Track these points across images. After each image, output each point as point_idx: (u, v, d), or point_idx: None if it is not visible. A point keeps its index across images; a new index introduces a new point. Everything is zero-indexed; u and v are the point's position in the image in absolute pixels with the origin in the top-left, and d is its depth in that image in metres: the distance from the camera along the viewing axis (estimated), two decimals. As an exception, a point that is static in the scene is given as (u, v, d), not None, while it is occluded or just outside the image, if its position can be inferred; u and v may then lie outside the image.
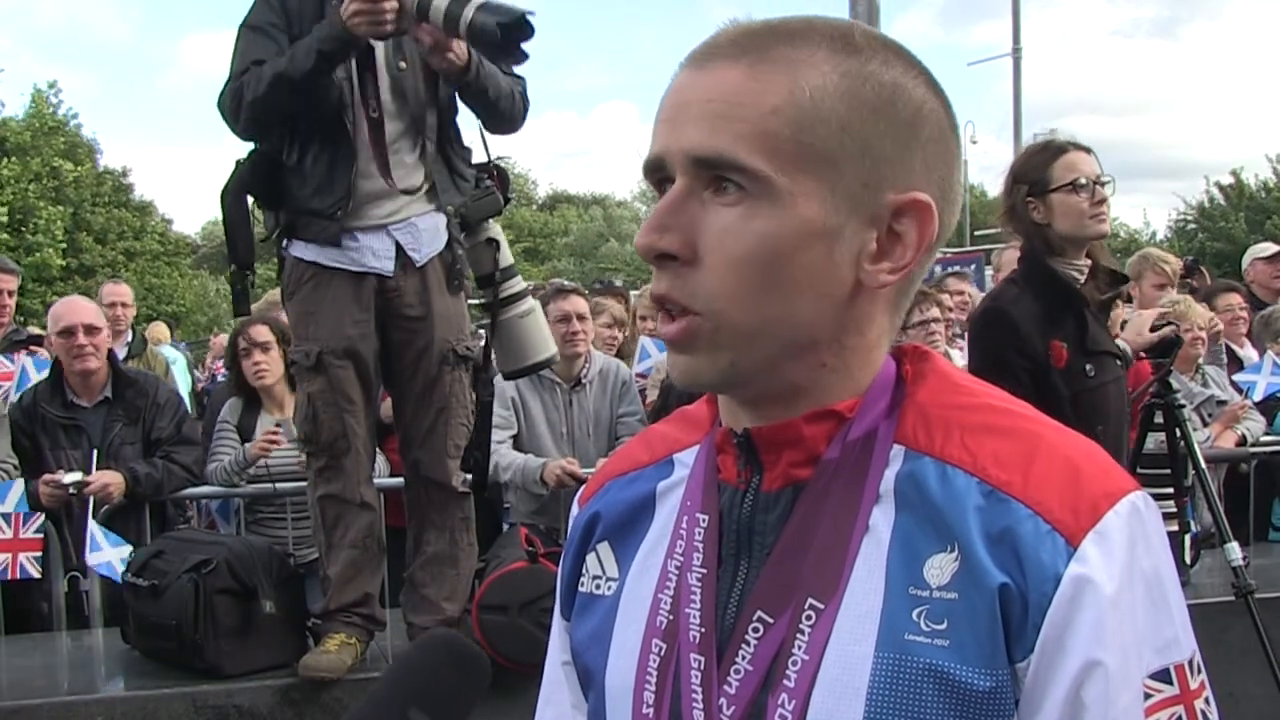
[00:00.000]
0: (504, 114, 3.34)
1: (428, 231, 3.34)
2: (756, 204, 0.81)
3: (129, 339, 5.97)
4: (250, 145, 3.35)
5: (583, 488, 1.07)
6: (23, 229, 26.75)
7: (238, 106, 3.20)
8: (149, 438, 4.16)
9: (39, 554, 3.79)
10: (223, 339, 9.84)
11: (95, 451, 3.99)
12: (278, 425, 4.23)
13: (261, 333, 4.30)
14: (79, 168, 28.94)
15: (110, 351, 4.29)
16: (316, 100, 3.20)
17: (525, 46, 3.03)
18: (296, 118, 3.26)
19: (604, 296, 5.71)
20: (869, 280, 0.84)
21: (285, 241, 3.35)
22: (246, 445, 4.21)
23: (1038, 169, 2.90)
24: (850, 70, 0.82)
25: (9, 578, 3.77)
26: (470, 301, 3.64)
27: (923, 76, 0.86)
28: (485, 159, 3.46)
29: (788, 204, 0.80)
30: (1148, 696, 0.79)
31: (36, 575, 3.84)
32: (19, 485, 3.77)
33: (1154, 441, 3.86)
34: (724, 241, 0.81)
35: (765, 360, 0.84)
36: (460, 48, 3.11)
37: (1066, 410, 2.76)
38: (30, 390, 4.32)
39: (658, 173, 0.86)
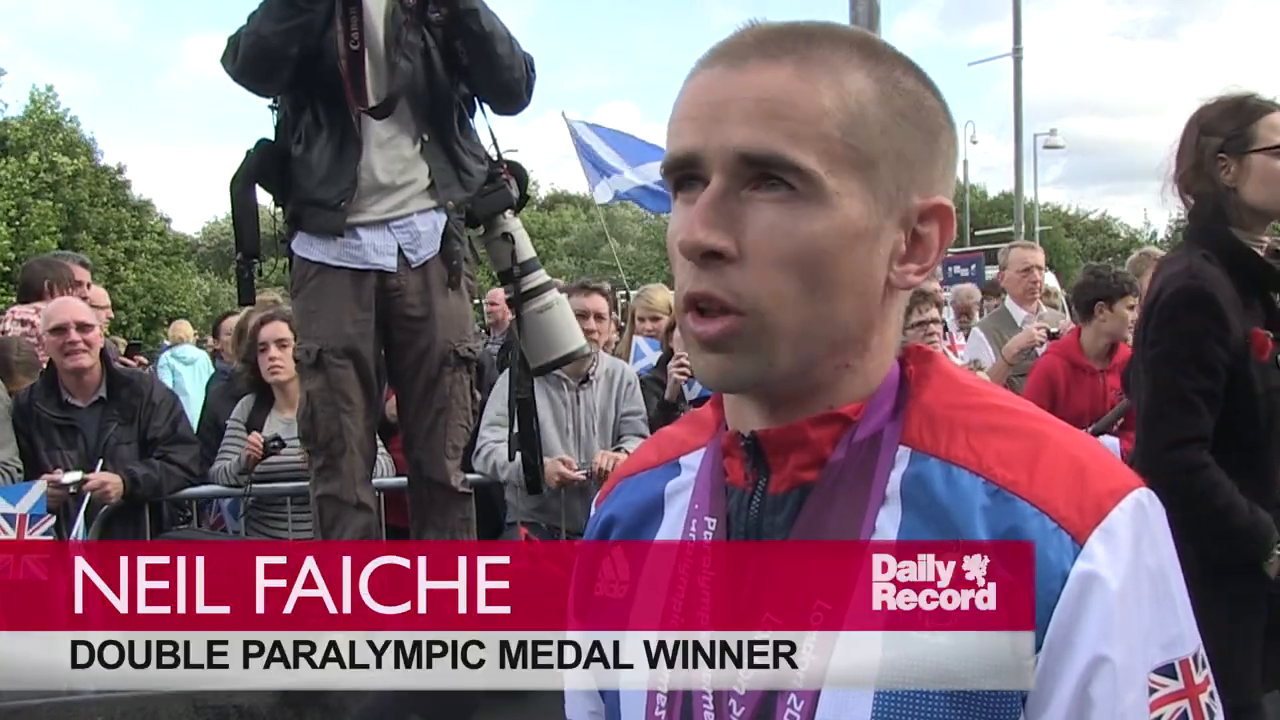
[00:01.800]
0: (503, 62, 3.29)
1: (426, 231, 3.34)
2: (805, 204, 0.81)
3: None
4: (256, 137, 3.38)
5: (601, 489, 1.07)
6: (18, 224, 26.81)
7: (235, 50, 3.21)
8: (144, 437, 4.17)
9: (47, 557, 3.76)
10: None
11: (100, 461, 3.99)
12: (272, 441, 4.20)
13: (280, 329, 4.26)
14: (75, 161, 28.99)
15: (103, 351, 4.28)
16: (313, 86, 3.21)
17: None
18: (298, 103, 3.27)
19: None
20: (898, 280, 0.86)
21: (291, 234, 3.36)
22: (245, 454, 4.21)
23: (1235, 123, 2.46)
24: (882, 76, 0.84)
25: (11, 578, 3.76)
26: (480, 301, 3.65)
27: (933, 87, 0.88)
28: (495, 155, 3.47)
29: (835, 204, 0.82)
30: (1153, 691, 0.79)
31: (41, 578, 3.81)
32: (39, 486, 3.76)
33: (1154, 442, 3.86)
34: (771, 240, 0.82)
35: (801, 362, 0.84)
36: None
37: (1260, 411, 2.36)
38: (26, 390, 4.32)
39: (683, 169, 0.85)
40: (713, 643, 0.87)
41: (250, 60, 3.19)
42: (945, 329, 6.11)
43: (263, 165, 3.34)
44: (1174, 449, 2.26)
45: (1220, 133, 2.46)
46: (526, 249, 3.37)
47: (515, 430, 3.50)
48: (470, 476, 3.73)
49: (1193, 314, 2.36)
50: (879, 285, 0.85)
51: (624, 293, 9.07)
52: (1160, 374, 2.35)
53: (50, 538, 3.73)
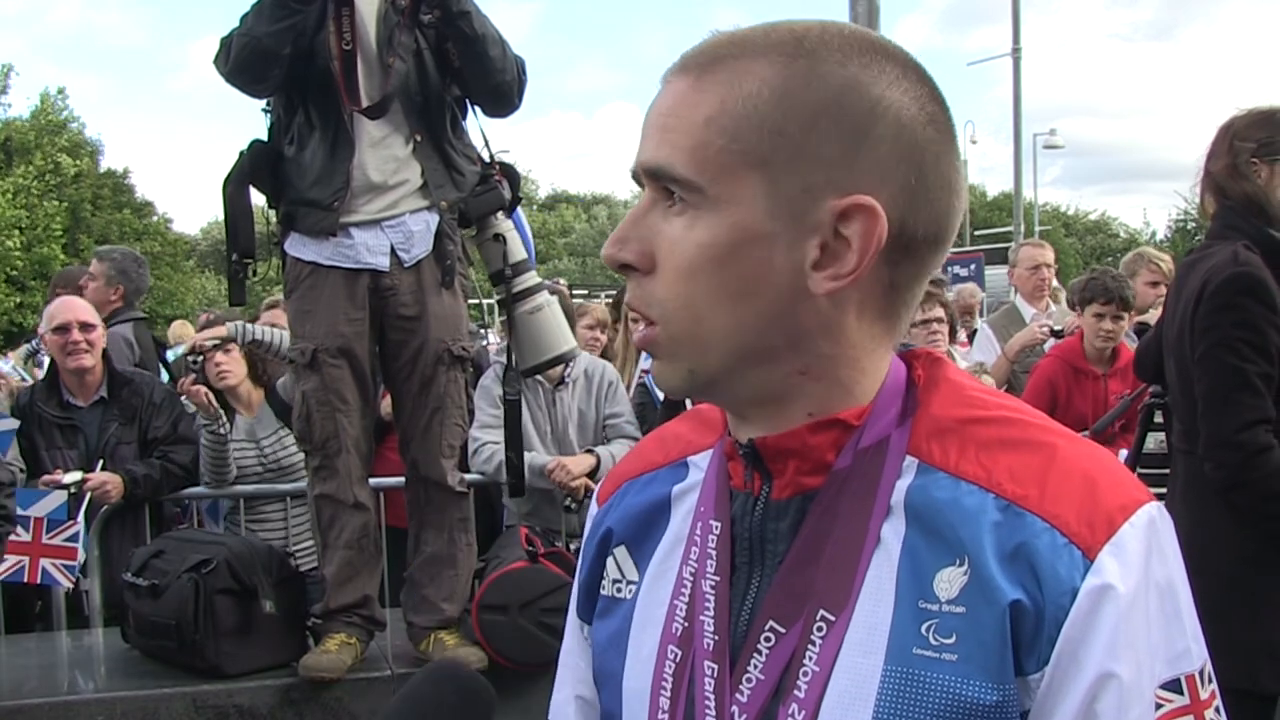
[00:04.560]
0: (494, 65, 3.31)
1: (419, 231, 3.34)
2: (696, 213, 0.82)
3: None
4: (250, 136, 3.39)
5: (599, 486, 1.07)
6: (26, 227, 26.87)
7: (228, 52, 3.22)
8: (145, 437, 4.16)
9: (71, 563, 3.75)
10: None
11: (101, 462, 3.99)
12: (192, 359, 4.06)
13: (218, 334, 4.23)
14: (79, 163, 29.05)
15: (105, 351, 4.27)
16: (306, 89, 3.22)
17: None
18: (291, 98, 3.28)
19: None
20: (814, 287, 0.82)
21: (285, 234, 3.37)
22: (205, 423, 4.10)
23: (1266, 131, 2.59)
24: (795, 73, 0.81)
25: (25, 581, 3.75)
26: (479, 301, 3.66)
27: (891, 73, 0.82)
28: (488, 156, 3.47)
29: (722, 212, 0.81)
30: (1159, 707, 0.79)
31: (68, 584, 3.81)
32: (59, 495, 3.74)
33: (1154, 441, 3.86)
34: (672, 251, 0.83)
35: (721, 368, 0.84)
36: None
37: None
38: (28, 390, 4.32)
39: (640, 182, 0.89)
40: (716, 648, 0.87)
41: (243, 61, 3.19)
42: (954, 329, 6.09)
43: (255, 166, 3.35)
44: (1243, 431, 2.31)
45: (1253, 139, 2.57)
46: (518, 250, 3.38)
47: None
48: (469, 477, 3.73)
49: (1247, 299, 2.42)
50: (788, 292, 0.82)
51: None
52: (1221, 360, 2.38)
53: (75, 545, 3.72)
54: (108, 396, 4.16)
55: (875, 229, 0.80)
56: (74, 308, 4.24)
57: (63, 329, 4.09)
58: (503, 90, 3.38)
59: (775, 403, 0.86)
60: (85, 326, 4.12)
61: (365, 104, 3.23)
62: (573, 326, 4.82)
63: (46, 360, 4.92)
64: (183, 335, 9.63)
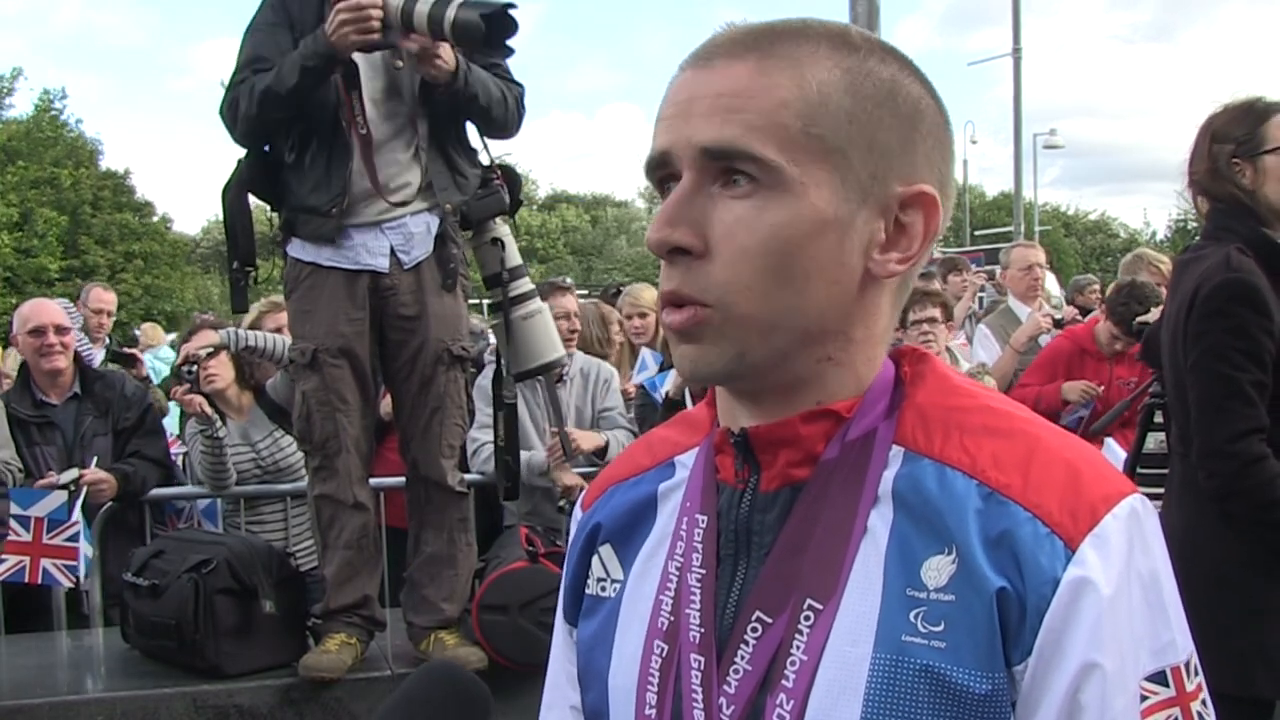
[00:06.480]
0: (497, 120, 3.35)
1: (419, 233, 3.35)
2: (768, 195, 0.81)
3: (106, 344, 6.11)
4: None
5: (585, 491, 1.07)
6: (21, 231, 26.86)
7: (235, 117, 3.26)
8: (116, 428, 4.21)
9: (72, 563, 3.75)
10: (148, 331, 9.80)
11: (95, 459, 4.01)
12: (189, 366, 4.10)
13: (208, 339, 4.24)
14: (79, 170, 29.03)
15: (76, 351, 4.35)
16: (308, 110, 3.24)
17: (511, 43, 3.10)
18: (292, 122, 3.28)
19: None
20: (878, 269, 0.85)
21: (285, 239, 3.38)
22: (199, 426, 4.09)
23: (1245, 128, 2.49)
24: (851, 66, 0.84)
25: (26, 581, 3.75)
26: (480, 301, 3.66)
27: (916, 74, 0.87)
28: (489, 160, 3.47)
29: (799, 194, 0.81)
30: (1144, 698, 0.79)
31: (69, 584, 3.81)
32: (59, 495, 3.75)
33: (1154, 441, 3.86)
34: (735, 233, 0.82)
35: (774, 352, 0.84)
36: (447, 53, 3.14)
37: None
38: (4, 394, 4.36)
39: (661, 169, 0.86)
40: (702, 641, 0.87)
41: (254, 135, 3.29)
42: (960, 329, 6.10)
43: (254, 173, 3.35)
44: (1237, 441, 2.28)
45: (1232, 138, 2.49)
46: (515, 255, 3.38)
47: (500, 436, 3.51)
48: (469, 477, 3.74)
49: (1239, 306, 2.36)
50: (854, 275, 0.84)
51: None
52: (1213, 368, 2.34)
53: (75, 545, 3.72)
54: (81, 392, 4.24)
55: (935, 216, 0.86)
56: (48, 311, 4.33)
57: (39, 332, 4.18)
58: (503, 123, 3.41)
59: (793, 390, 0.87)
60: (60, 329, 4.22)
61: (388, 186, 3.27)
62: (606, 333, 4.96)
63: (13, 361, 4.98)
64: (154, 338, 9.49)
